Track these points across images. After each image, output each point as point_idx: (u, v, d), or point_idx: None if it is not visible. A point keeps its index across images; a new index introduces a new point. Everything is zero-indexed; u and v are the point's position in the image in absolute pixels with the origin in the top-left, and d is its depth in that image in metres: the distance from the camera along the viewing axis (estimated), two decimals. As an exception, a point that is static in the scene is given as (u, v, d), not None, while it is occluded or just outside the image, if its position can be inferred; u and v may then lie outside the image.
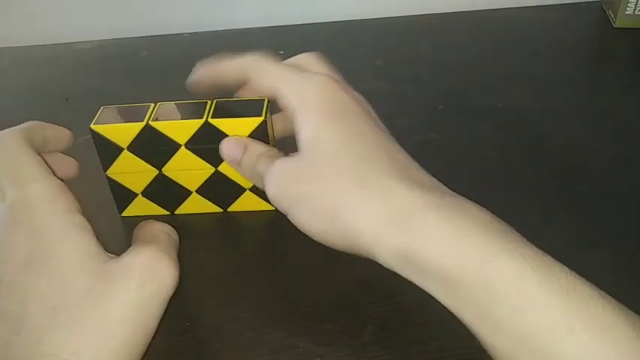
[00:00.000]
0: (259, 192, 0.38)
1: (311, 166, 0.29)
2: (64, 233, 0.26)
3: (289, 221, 0.39)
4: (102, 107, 0.36)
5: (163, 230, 0.31)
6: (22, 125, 0.31)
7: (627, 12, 0.57)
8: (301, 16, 0.63)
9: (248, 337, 0.31)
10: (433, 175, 0.41)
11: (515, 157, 0.42)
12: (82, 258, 0.26)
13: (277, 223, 0.39)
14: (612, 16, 0.59)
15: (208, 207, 0.39)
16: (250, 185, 0.38)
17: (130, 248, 0.28)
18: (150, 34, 0.64)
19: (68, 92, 0.54)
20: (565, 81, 0.51)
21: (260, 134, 0.35)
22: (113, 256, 0.28)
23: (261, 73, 0.34)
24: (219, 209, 0.39)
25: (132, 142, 0.35)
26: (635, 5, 0.56)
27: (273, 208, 0.39)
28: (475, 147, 0.44)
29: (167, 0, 0.64)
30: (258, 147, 0.34)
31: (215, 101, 0.36)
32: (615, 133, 0.44)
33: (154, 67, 0.58)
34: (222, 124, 0.35)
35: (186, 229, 0.38)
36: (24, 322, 0.25)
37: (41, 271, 0.26)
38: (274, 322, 0.32)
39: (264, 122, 0.35)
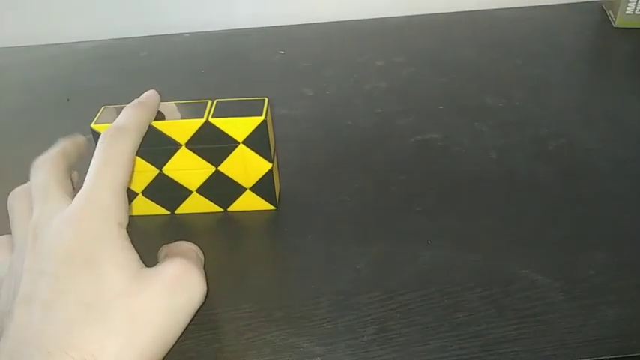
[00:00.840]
0: (260, 192, 0.38)
1: None
2: (111, 240, 0.28)
3: (290, 221, 0.39)
4: (103, 107, 0.36)
5: (192, 248, 0.32)
6: (62, 149, 0.33)
7: (627, 12, 0.57)
8: (301, 16, 0.63)
9: (248, 337, 0.31)
10: (432, 176, 0.41)
11: (516, 158, 0.42)
12: (124, 263, 0.27)
13: (278, 223, 0.39)
14: (612, 16, 0.59)
15: (209, 207, 0.39)
16: (251, 185, 0.38)
17: (162, 259, 0.30)
18: (150, 35, 0.64)
19: (69, 92, 0.54)
20: (565, 81, 0.51)
21: (260, 134, 0.35)
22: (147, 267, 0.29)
23: None
24: (219, 209, 0.39)
25: None
26: (636, 5, 0.56)
27: (274, 208, 0.39)
28: (475, 147, 0.44)
29: (167, 0, 0.64)
30: None
31: (216, 101, 0.36)
32: (616, 133, 0.44)
33: (154, 67, 0.58)
34: (222, 123, 0.35)
35: (186, 229, 0.38)
36: (58, 313, 0.26)
37: (84, 269, 0.27)
38: (274, 321, 0.32)
39: (264, 122, 0.35)
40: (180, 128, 0.35)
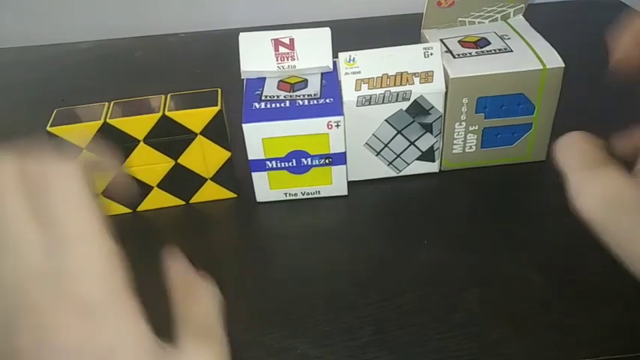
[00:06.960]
0: (221, 181, 0.38)
1: None
2: (123, 321, 0.21)
3: (286, 224, 0.39)
4: (55, 110, 0.36)
5: (213, 313, 0.25)
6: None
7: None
8: (296, 15, 0.62)
9: (245, 339, 0.31)
10: (429, 176, 0.41)
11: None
12: (143, 356, 0.21)
13: (274, 225, 0.39)
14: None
15: (170, 201, 0.39)
16: (211, 175, 0.38)
17: (184, 342, 0.23)
18: (145, 34, 0.63)
19: (64, 92, 0.54)
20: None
21: (217, 123, 0.36)
22: (163, 344, 0.22)
23: None
24: (181, 202, 0.39)
25: (90, 141, 0.35)
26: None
27: (235, 196, 0.39)
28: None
29: (162, 0, 0.64)
30: None
31: (169, 95, 0.36)
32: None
33: (150, 67, 0.58)
34: (179, 116, 0.35)
35: (184, 233, 0.38)
36: None
37: None
38: (272, 324, 0.32)
39: (220, 111, 0.35)
40: (137, 124, 0.35)
